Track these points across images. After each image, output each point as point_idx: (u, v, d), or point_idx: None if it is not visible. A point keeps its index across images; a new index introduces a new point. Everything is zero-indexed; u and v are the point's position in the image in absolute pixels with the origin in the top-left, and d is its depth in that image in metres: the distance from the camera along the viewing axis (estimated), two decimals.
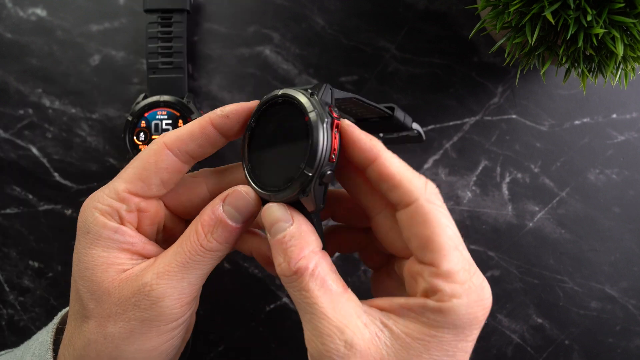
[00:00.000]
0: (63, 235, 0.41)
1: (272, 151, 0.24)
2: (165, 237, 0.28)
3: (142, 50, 0.41)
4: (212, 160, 0.41)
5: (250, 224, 0.25)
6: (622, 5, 0.27)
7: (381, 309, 0.22)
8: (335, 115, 0.23)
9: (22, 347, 0.28)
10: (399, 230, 0.23)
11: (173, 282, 0.23)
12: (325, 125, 0.22)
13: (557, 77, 0.41)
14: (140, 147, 0.39)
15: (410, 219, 0.22)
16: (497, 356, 0.41)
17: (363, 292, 0.42)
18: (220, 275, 0.42)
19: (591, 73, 0.31)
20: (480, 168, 0.42)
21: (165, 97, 0.39)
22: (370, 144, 0.23)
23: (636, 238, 0.41)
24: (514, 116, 0.42)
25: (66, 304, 0.41)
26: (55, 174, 0.41)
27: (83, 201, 0.25)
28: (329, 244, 0.31)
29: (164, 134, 0.25)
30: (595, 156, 0.42)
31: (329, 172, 0.22)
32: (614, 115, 0.42)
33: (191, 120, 0.38)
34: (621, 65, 0.31)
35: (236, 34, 0.42)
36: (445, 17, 0.41)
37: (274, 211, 0.23)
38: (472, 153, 0.41)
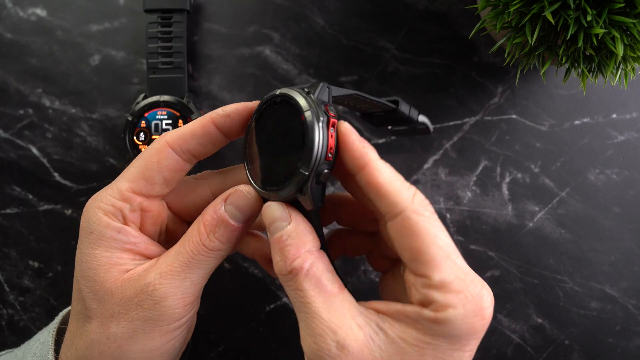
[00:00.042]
0: (63, 235, 0.41)
1: (271, 150, 0.24)
2: (167, 239, 0.28)
3: (142, 50, 0.41)
4: (213, 160, 0.41)
5: (252, 223, 0.25)
6: (622, 5, 0.27)
7: (378, 312, 0.22)
8: (331, 113, 0.23)
9: (23, 347, 0.28)
10: None
11: (176, 281, 0.23)
12: (320, 124, 0.22)
13: (557, 77, 0.41)
14: (140, 147, 0.39)
15: (399, 230, 0.22)
16: (497, 356, 0.41)
17: (363, 292, 0.42)
18: (220, 275, 0.41)
19: (591, 73, 0.31)
20: (480, 168, 0.42)
21: (165, 97, 0.39)
22: (361, 150, 0.22)
23: (636, 238, 0.41)
24: (514, 116, 0.42)
25: (66, 304, 0.41)
26: (55, 174, 0.41)
27: (83, 201, 0.25)
28: (334, 248, 0.31)
29: (165, 132, 0.25)
30: (595, 156, 0.42)
31: (325, 171, 0.22)
32: (614, 115, 0.42)
33: (191, 120, 0.38)
34: (621, 65, 0.31)
35: (236, 34, 0.42)
36: (445, 17, 0.41)
37: (273, 210, 0.23)
38: (472, 153, 0.42)
